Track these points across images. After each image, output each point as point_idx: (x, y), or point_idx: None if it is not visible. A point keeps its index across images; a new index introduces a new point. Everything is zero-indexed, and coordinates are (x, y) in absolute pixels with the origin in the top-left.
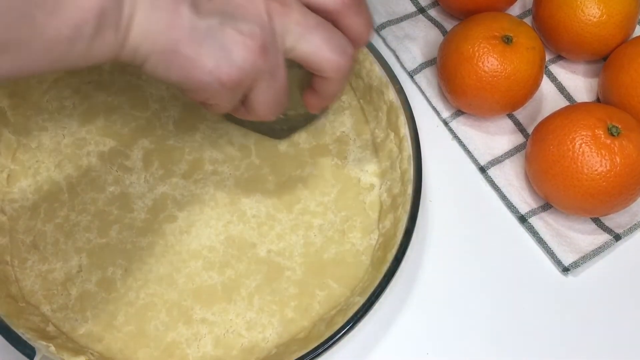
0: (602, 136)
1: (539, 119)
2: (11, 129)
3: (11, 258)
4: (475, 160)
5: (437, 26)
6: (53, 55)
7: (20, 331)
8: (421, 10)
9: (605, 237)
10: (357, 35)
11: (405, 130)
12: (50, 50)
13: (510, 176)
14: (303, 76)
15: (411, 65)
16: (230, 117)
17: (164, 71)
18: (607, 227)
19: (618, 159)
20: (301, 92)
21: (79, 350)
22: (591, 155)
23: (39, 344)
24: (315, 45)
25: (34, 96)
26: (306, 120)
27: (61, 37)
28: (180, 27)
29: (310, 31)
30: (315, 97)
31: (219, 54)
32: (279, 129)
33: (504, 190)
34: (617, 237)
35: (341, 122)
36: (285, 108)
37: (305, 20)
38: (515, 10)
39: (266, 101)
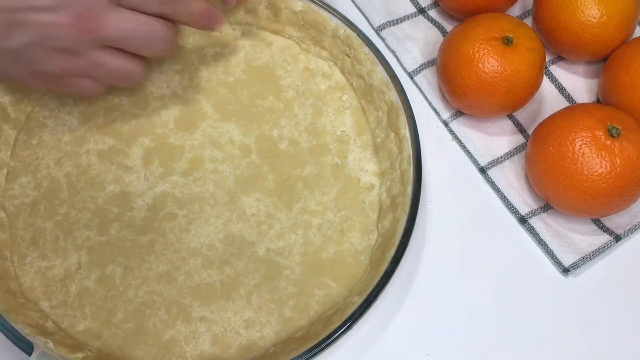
0: (602, 137)
1: (539, 119)
2: (11, 125)
3: (11, 254)
4: (475, 161)
5: (437, 27)
6: None
7: (18, 327)
8: (421, 11)
9: (605, 237)
10: None
11: (405, 131)
12: None
13: (510, 177)
14: None
15: (411, 66)
16: None
17: None
18: (607, 228)
19: (618, 160)
20: None
21: (77, 346)
22: (591, 156)
23: (37, 340)
24: None
25: (35, 92)
26: None
27: None
28: None
29: None
30: None
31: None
32: None
33: (504, 191)
34: (617, 238)
35: (341, 121)
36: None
37: None
38: (515, 11)
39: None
